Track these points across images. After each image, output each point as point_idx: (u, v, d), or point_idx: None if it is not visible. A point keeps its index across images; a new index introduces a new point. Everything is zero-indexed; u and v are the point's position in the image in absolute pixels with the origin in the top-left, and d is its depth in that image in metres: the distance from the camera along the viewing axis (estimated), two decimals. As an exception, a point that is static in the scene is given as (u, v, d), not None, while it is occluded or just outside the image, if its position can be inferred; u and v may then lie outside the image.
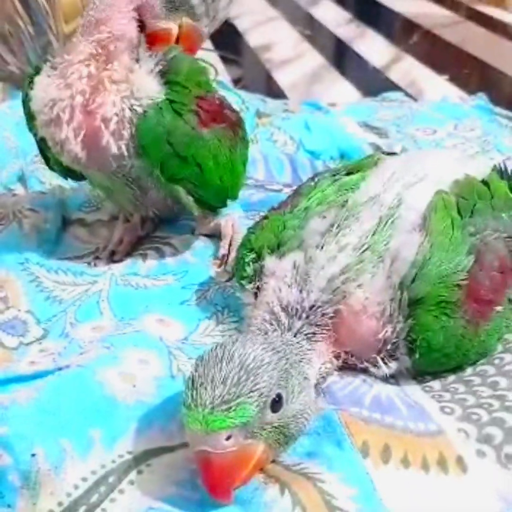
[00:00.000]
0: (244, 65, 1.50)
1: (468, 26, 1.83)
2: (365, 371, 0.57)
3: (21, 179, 0.91)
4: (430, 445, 0.50)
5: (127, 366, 0.56)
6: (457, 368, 0.58)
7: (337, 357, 0.56)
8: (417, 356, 0.55)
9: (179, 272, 0.71)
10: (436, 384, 0.57)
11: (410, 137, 1.03)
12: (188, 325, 0.64)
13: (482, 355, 0.58)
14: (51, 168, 0.76)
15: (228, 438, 0.44)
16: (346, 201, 0.62)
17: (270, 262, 0.59)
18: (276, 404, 0.46)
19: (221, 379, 0.45)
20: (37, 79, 0.68)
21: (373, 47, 1.64)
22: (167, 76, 0.67)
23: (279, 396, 0.46)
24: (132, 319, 0.63)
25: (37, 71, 0.69)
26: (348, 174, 0.68)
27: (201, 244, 0.75)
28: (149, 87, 0.66)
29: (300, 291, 0.56)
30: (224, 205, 0.75)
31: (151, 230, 0.79)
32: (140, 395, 0.53)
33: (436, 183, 0.63)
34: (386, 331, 0.55)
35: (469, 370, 0.58)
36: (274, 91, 1.33)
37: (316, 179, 0.68)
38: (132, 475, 0.48)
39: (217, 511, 0.45)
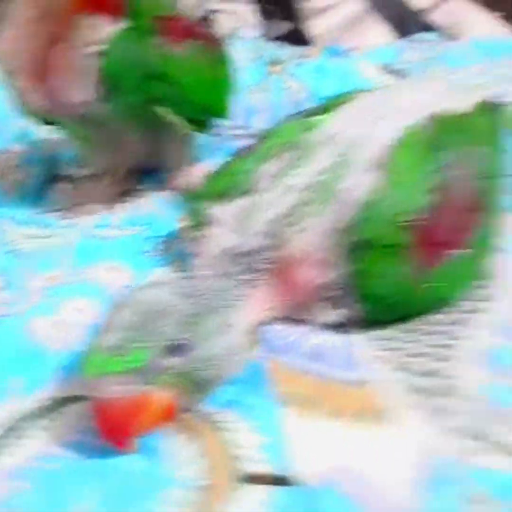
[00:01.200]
0: (280, 14, 1.44)
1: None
2: (312, 320, 0.53)
3: (19, 138, 0.92)
4: (356, 395, 0.47)
5: (62, 315, 0.55)
6: (411, 316, 0.53)
7: (280, 306, 0.53)
8: (361, 303, 0.51)
9: (146, 223, 0.70)
10: (384, 333, 0.52)
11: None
12: (139, 271, 0.62)
13: (437, 303, 0.53)
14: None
15: (122, 384, 0.42)
16: (305, 141, 0.58)
17: (216, 209, 0.56)
18: (178, 348, 0.44)
19: (121, 324, 0.44)
20: None
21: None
22: None
23: (182, 340, 0.44)
24: (85, 268, 0.62)
25: None
26: (323, 113, 0.63)
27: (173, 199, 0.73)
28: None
29: (241, 236, 0.53)
30: (212, 122, 0.73)
31: (133, 186, 0.77)
32: (69, 344, 0.53)
33: (408, 118, 0.57)
34: (327, 277, 0.51)
35: (423, 319, 0.53)
36: (304, 40, 1.27)
37: (284, 121, 0.64)
38: (45, 422, 0.47)
39: (118, 459, 0.44)
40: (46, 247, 0.67)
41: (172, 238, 0.67)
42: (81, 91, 0.64)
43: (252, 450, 0.44)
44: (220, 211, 0.56)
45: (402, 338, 0.51)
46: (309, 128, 0.59)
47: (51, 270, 0.64)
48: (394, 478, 0.42)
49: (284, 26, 1.42)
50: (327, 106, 0.64)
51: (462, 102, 0.62)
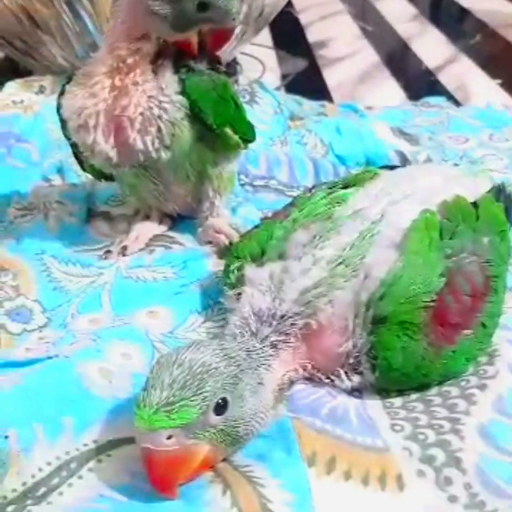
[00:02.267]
0: (297, 62, 1.52)
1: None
2: (332, 383, 0.59)
3: (60, 170, 0.97)
4: (374, 461, 0.52)
5: (108, 361, 0.60)
6: (423, 387, 0.59)
7: (304, 368, 0.59)
8: (377, 373, 0.57)
9: (179, 263, 0.75)
10: (397, 400, 0.58)
11: (440, 145, 1.03)
12: (178, 316, 0.68)
13: (447, 376, 0.59)
14: (83, 169, 0.82)
15: (169, 437, 0.48)
16: (333, 213, 0.64)
17: (249, 270, 0.63)
18: (221, 407, 0.49)
19: (169, 382, 0.49)
20: (67, 87, 0.74)
21: (431, 45, 1.62)
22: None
23: (224, 400, 0.50)
24: (126, 312, 0.68)
25: (69, 79, 0.75)
26: (344, 187, 0.70)
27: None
28: (176, 84, 0.71)
29: (273, 300, 0.59)
30: (255, 137, 0.82)
31: (166, 229, 0.83)
32: (114, 391, 0.58)
33: (423, 202, 0.64)
34: (348, 346, 0.57)
35: (434, 389, 0.59)
36: (319, 90, 1.34)
37: (312, 191, 0.70)
38: (92, 463, 0.53)
39: (161, 504, 0.49)
40: (86, 287, 0.73)
41: (205, 280, 0.72)
42: (147, 141, 0.71)
43: (279, 505, 0.49)
44: (254, 272, 0.62)
45: (415, 408, 0.57)
46: (336, 202, 0.66)
47: (92, 312, 0.69)
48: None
49: (300, 64, 1.50)
50: (352, 180, 0.71)
51: (473, 188, 0.69)
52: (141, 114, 0.70)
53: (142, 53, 0.71)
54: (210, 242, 0.80)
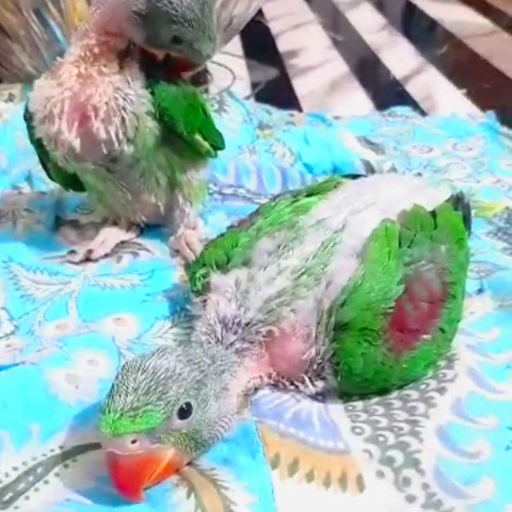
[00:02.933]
0: (267, 71, 1.54)
1: (503, 37, 1.81)
2: (296, 389, 0.60)
3: (28, 178, 0.98)
4: (336, 462, 0.54)
5: (75, 367, 0.61)
6: (384, 390, 0.60)
7: (268, 375, 0.60)
8: (339, 378, 0.58)
9: (146, 272, 0.76)
10: (359, 404, 0.60)
11: (405, 155, 1.06)
12: (144, 323, 0.69)
13: (407, 380, 0.61)
14: (51, 178, 0.83)
15: (134, 442, 0.49)
16: (297, 222, 0.66)
17: (215, 277, 0.64)
18: (184, 412, 0.51)
19: (134, 387, 0.49)
20: (36, 81, 0.75)
21: (399, 56, 1.65)
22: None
23: (188, 404, 0.51)
24: (93, 319, 0.69)
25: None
26: (308, 196, 0.71)
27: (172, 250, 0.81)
28: (141, 80, 0.73)
29: (238, 308, 0.60)
30: (224, 144, 0.84)
31: (134, 236, 0.84)
32: (81, 396, 0.59)
33: (384, 211, 0.66)
34: (311, 353, 0.58)
35: (394, 393, 0.61)
36: (288, 99, 1.36)
37: (276, 200, 0.72)
38: (59, 468, 0.53)
39: (127, 507, 0.50)
40: (53, 294, 0.73)
41: (172, 288, 0.73)
42: (110, 131, 0.71)
43: (243, 507, 0.50)
44: (219, 279, 0.64)
45: (375, 411, 0.58)
46: (299, 210, 0.68)
47: (59, 319, 0.70)
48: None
49: (271, 72, 1.52)
50: (316, 189, 0.73)
51: (433, 197, 0.71)
52: (106, 103, 0.71)
53: (110, 45, 0.72)
54: (178, 251, 0.81)
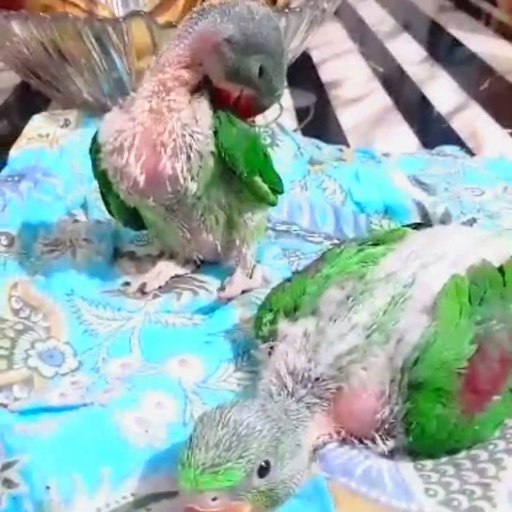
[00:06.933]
0: (312, 102, 1.54)
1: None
2: (365, 446, 0.60)
3: (84, 206, 0.99)
4: (411, 525, 0.54)
5: (144, 410, 0.61)
6: (453, 450, 0.60)
7: (337, 432, 0.60)
8: (410, 438, 0.58)
9: (208, 311, 0.77)
10: (429, 463, 0.59)
11: (456, 197, 1.05)
12: (209, 365, 0.69)
13: (476, 442, 0.61)
14: (111, 214, 0.83)
15: (215, 498, 0.49)
16: (365, 274, 0.66)
17: (283, 325, 0.64)
18: (264, 470, 0.50)
19: (214, 442, 0.49)
20: (106, 115, 0.76)
21: (442, 90, 1.65)
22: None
23: (267, 463, 0.51)
24: (156, 358, 0.69)
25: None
26: (374, 245, 0.71)
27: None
28: (210, 120, 0.73)
29: (308, 361, 0.60)
30: (283, 188, 0.84)
31: (190, 271, 0.85)
32: (151, 440, 0.59)
33: (452, 266, 0.66)
34: (384, 412, 0.58)
35: (462, 453, 0.60)
36: (334, 132, 1.36)
37: (342, 246, 0.72)
38: (133, 516, 0.54)
39: (202, 561, 0.50)
40: (115, 330, 0.74)
41: (234, 328, 0.74)
42: (176, 168, 0.72)
43: None
44: (287, 327, 0.64)
45: (446, 472, 0.58)
46: (368, 261, 0.68)
47: (123, 355, 0.70)
48: None
49: (310, 98, 1.52)
50: (382, 239, 0.73)
51: (500, 252, 0.70)
52: (174, 140, 0.72)
53: (182, 80, 0.73)
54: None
